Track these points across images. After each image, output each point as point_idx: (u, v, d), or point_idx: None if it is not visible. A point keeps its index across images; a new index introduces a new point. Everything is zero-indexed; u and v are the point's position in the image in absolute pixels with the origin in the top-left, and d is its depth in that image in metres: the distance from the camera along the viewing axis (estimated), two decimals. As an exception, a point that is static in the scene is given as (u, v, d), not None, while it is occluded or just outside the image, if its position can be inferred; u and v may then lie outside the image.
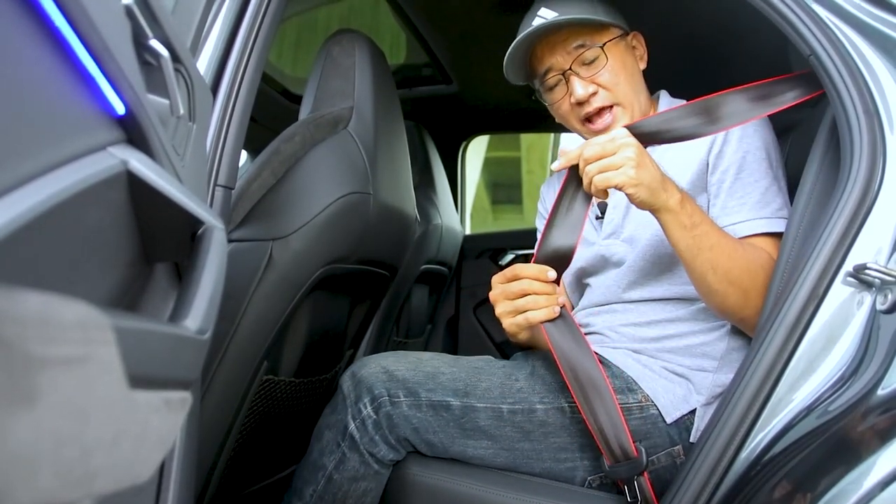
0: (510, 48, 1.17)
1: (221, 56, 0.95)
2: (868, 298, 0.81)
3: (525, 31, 1.16)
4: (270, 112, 2.16)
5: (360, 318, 1.60)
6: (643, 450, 0.97)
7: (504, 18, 1.82)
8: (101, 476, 0.33)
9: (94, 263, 0.48)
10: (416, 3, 1.77)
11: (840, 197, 0.84)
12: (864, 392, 0.77)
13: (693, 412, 1.04)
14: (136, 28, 0.55)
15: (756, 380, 0.85)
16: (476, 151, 3.01)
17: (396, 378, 1.03)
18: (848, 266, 0.82)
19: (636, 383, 1.05)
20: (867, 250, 0.82)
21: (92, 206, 0.45)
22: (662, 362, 1.07)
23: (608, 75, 1.14)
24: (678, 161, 1.11)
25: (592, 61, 1.14)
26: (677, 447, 1.03)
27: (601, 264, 1.20)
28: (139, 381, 0.37)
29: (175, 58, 0.62)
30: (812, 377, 0.83)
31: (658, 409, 1.03)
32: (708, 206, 1.09)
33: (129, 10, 0.54)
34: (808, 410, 0.82)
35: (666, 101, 1.22)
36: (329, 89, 1.28)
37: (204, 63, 0.94)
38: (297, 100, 2.14)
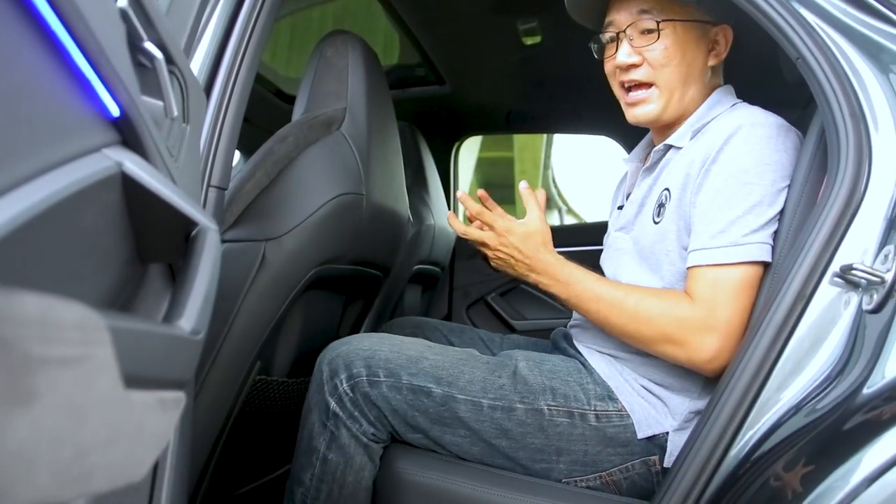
0: None
1: (215, 57, 0.95)
2: (854, 298, 0.82)
3: None
4: (264, 112, 2.15)
5: (353, 319, 1.60)
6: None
7: (497, 19, 1.83)
8: (97, 475, 0.33)
9: (89, 264, 0.48)
10: (409, 4, 1.77)
11: (827, 198, 0.85)
12: (850, 391, 0.78)
13: (666, 434, 1.04)
14: (131, 30, 0.56)
15: (745, 379, 0.86)
16: (469, 152, 3.01)
17: (378, 357, 1.04)
18: (835, 266, 0.83)
19: (615, 393, 1.06)
20: (854, 251, 0.83)
21: (87, 208, 0.45)
22: (643, 380, 1.06)
23: (659, 54, 1.07)
24: (673, 177, 1.07)
25: (649, 32, 1.07)
26: (654, 457, 1.03)
27: (610, 253, 1.22)
28: (134, 381, 0.38)
29: (169, 59, 0.63)
30: (800, 376, 0.84)
31: (633, 421, 1.04)
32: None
33: (123, 13, 0.54)
34: (796, 409, 0.83)
35: (714, 100, 1.11)
36: (322, 90, 1.28)
37: (198, 64, 0.94)
38: (291, 100, 2.14)
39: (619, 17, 1.10)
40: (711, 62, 1.11)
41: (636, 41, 1.08)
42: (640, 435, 1.03)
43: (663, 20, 1.06)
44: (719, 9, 1.09)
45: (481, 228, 1.10)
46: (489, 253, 1.10)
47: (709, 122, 1.08)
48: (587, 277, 1.05)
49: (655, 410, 1.04)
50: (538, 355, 1.12)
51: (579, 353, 1.16)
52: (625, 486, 1.04)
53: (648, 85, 1.09)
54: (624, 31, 1.09)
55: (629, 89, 1.12)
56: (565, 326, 1.29)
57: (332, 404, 1.04)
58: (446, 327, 1.44)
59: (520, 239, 1.06)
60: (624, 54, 1.09)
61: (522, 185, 1.10)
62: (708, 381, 1.02)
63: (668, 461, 1.02)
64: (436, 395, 1.03)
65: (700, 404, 1.02)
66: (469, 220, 1.14)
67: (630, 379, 1.07)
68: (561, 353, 1.21)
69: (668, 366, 1.04)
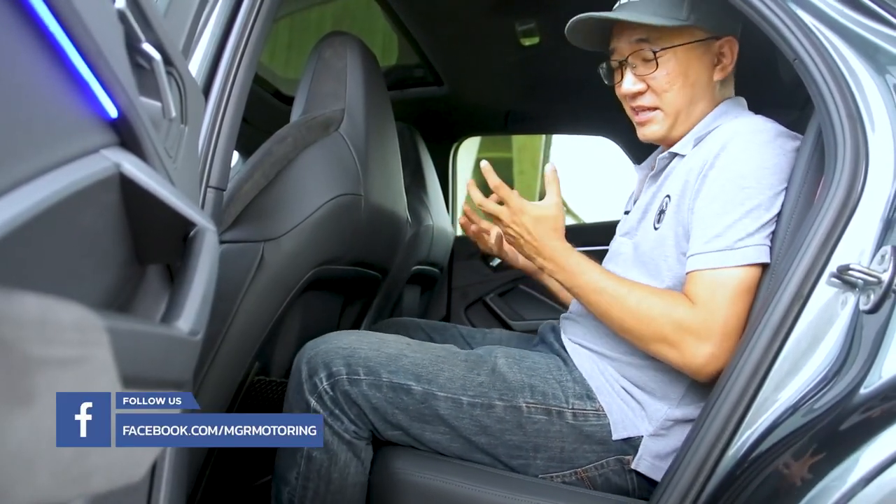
0: (575, 18, 1.13)
1: (213, 57, 0.95)
2: (851, 299, 0.83)
3: (595, 14, 1.11)
4: (262, 113, 2.16)
5: (352, 319, 1.61)
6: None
7: (495, 21, 1.83)
8: (96, 475, 0.33)
9: (87, 265, 0.48)
10: (408, 5, 1.77)
11: (824, 199, 0.85)
12: (847, 391, 0.79)
13: (641, 438, 1.04)
14: (129, 32, 0.56)
15: (742, 379, 0.86)
16: (468, 152, 3.02)
17: (358, 356, 1.04)
18: (832, 267, 0.84)
19: (594, 393, 1.06)
20: (851, 251, 0.83)
21: (85, 208, 0.45)
22: (624, 381, 1.07)
23: (661, 80, 1.09)
24: (675, 182, 1.08)
25: (649, 61, 1.09)
26: (628, 456, 1.04)
27: (612, 257, 1.23)
28: (132, 381, 0.38)
29: (167, 61, 0.63)
30: (797, 376, 0.84)
31: (610, 422, 1.05)
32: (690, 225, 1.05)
33: (121, 14, 0.55)
34: (794, 409, 0.83)
35: (720, 111, 1.12)
36: (321, 91, 1.28)
37: (196, 64, 0.94)
38: (289, 101, 2.14)
39: (621, 46, 1.12)
40: (717, 76, 1.12)
41: (639, 69, 1.11)
42: (616, 436, 1.04)
43: (661, 49, 1.08)
44: (722, 23, 1.10)
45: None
46: (501, 228, 1.10)
47: (711, 131, 1.08)
48: (593, 269, 1.06)
49: (633, 413, 1.05)
50: (518, 352, 1.13)
51: (563, 348, 1.16)
52: (599, 483, 1.05)
53: (654, 108, 1.12)
54: (626, 60, 1.11)
55: (636, 111, 1.15)
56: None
57: (313, 403, 1.04)
58: (429, 326, 1.45)
59: (531, 221, 1.06)
60: (629, 83, 1.12)
61: (549, 168, 1.10)
62: (688, 390, 1.03)
63: (637, 465, 1.03)
64: (416, 393, 1.03)
65: (678, 413, 1.03)
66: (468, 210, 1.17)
67: (611, 379, 1.08)
68: (547, 347, 1.22)
69: (651, 370, 1.05)
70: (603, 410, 1.05)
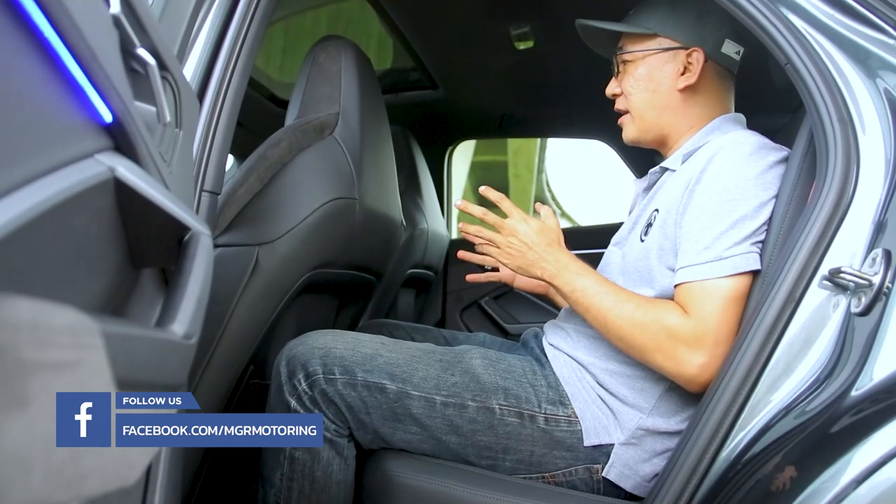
0: (577, 25, 1.25)
1: (208, 62, 0.96)
2: (843, 301, 0.83)
3: (581, 22, 1.24)
4: (257, 117, 2.16)
5: (347, 323, 1.61)
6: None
7: (490, 24, 1.84)
8: (91, 478, 0.33)
9: (82, 269, 0.48)
10: (403, 9, 1.78)
11: (816, 202, 0.86)
12: (839, 393, 0.79)
13: (612, 446, 1.05)
14: (124, 37, 0.56)
15: (735, 381, 0.86)
16: (463, 156, 3.02)
17: (334, 355, 1.05)
18: (824, 270, 0.84)
19: (568, 399, 1.07)
20: (842, 254, 0.84)
21: (80, 213, 0.46)
22: (600, 389, 1.08)
23: (627, 83, 1.19)
24: (664, 199, 1.10)
25: (624, 65, 1.20)
26: (597, 465, 1.05)
27: (603, 266, 1.24)
28: (127, 385, 0.38)
29: (162, 65, 0.63)
30: (790, 378, 0.85)
31: (582, 428, 1.06)
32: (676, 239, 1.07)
33: (116, 19, 0.55)
34: (787, 411, 0.84)
35: (713, 126, 1.15)
36: (315, 95, 1.28)
37: (191, 69, 0.94)
38: (284, 105, 2.14)
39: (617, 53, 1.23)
40: (681, 84, 1.15)
41: (618, 73, 1.22)
42: (587, 442, 1.05)
43: (628, 52, 1.18)
44: (692, 35, 1.15)
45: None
46: (495, 249, 1.11)
47: (699, 148, 1.11)
48: (591, 276, 1.07)
49: (606, 420, 1.06)
50: (495, 353, 1.13)
51: (543, 353, 1.17)
52: (567, 489, 1.06)
53: (626, 111, 1.21)
54: (614, 65, 1.23)
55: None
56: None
57: (293, 404, 1.05)
58: (410, 327, 1.46)
59: (536, 230, 1.08)
60: (611, 85, 1.23)
61: (538, 206, 1.16)
62: (658, 401, 1.04)
63: (607, 472, 1.04)
64: (390, 392, 1.04)
65: (648, 423, 1.04)
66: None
67: (587, 387, 1.08)
68: (527, 352, 1.23)
69: (624, 377, 1.06)
70: (575, 417, 1.06)
